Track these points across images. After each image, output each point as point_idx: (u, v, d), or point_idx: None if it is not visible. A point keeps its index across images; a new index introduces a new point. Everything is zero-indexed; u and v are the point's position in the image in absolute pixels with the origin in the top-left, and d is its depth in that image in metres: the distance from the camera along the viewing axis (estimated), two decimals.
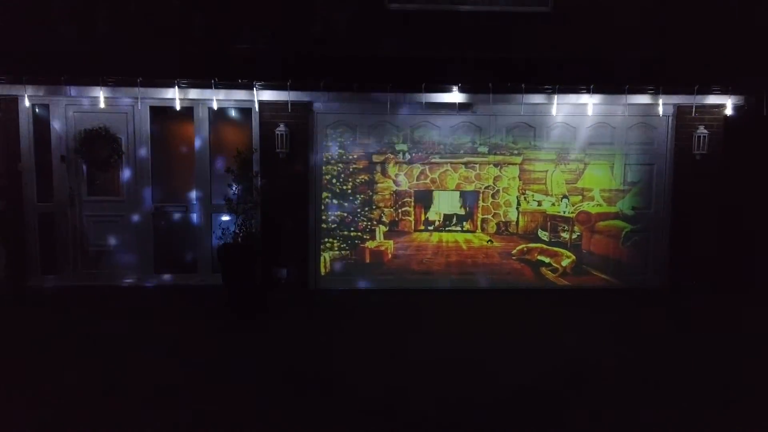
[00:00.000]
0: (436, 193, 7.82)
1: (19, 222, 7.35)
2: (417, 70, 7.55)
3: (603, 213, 7.89)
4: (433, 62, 7.63)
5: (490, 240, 7.86)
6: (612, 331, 6.08)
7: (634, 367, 5.08)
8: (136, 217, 7.65)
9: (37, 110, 7.45)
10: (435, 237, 7.86)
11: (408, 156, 7.76)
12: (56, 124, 7.44)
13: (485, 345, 5.65)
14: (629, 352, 5.43)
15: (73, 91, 6.97)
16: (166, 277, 7.74)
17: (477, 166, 7.78)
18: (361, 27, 7.76)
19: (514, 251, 7.88)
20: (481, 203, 7.83)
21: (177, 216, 7.80)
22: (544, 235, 7.88)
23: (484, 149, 7.76)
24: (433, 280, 7.83)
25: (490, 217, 7.85)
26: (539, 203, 7.85)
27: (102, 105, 7.18)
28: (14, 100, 7.24)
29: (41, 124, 7.46)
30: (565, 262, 7.91)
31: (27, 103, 7.27)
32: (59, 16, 7.33)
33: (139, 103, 7.18)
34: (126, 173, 7.62)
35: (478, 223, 7.86)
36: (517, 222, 7.86)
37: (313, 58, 7.65)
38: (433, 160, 7.76)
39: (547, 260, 7.90)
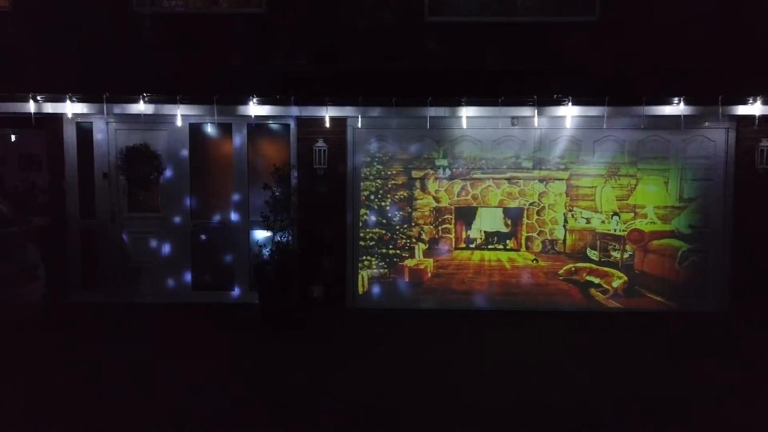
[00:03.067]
0: (477, 210, 7.53)
1: (62, 238, 7.44)
2: (458, 83, 7.33)
3: (657, 231, 7.42)
4: (475, 75, 7.40)
5: (535, 259, 7.50)
6: (674, 364, 5.61)
7: (709, 407, 4.65)
8: (175, 234, 7.65)
9: (80, 128, 7.57)
10: (477, 255, 7.55)
11: (448, 171, 7.51)
12: (99, 142, 7.54)
13: (540, 376, 5.29)
14: (696, 390, 5.00)
15: (115, 109, 7.02)
16: (205, 293, 7.69)
17: (521, 181, 7.46)
18: (400, 40, 7.62)
19: (560, 271, 7.49)
20: (525, 220, 7.49)
21: (215, 232, 7.76)
22: (593, 254, 7.46)
23: (528, 164, 7.44)
24: (474, 300, 7.51)
25: (535, 235, 7.49)
26: (588, 221, 7.45)
27: (143, 123, 7.23)
28: (59, 119, 7.37)
29: (85, 141, 7.57)
30: (616, 283, 7.46)
31: (71, 121, 7.39)
32: (104, 36, 7.46)
33: (179, 120, 7.20)
34: (165, 190, 7.64)
35: (523, 241, 7.52)
36: (564, 240, 7.48)
37: (351, 73, 7.54)
38: (474, 176, 7.49)
39: (596, 281, 7.47)
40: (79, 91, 6.96)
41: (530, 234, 7.50)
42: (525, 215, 7.50)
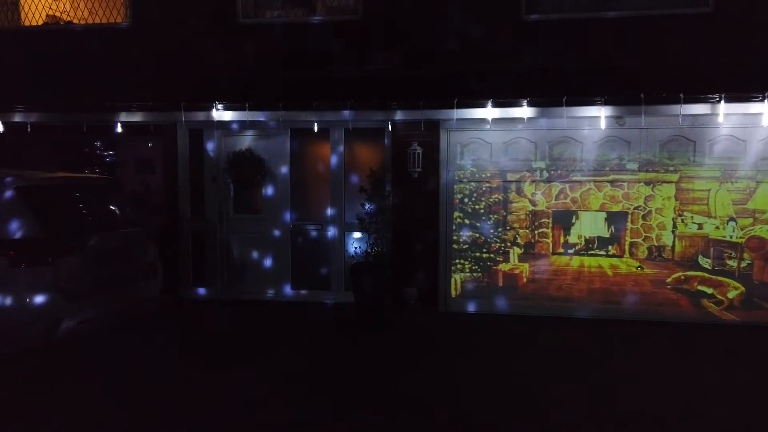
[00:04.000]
0: (577, 214, 7.26)
1: (175, 238, 8.00)
2: (557, 82, 7.11)
3: None
4: (576, 73, 7.15)
5: (639, 266, 7.11)
6: None
7: None
8: (275, 234, 8.00)
9: (192, 135, 8.11)
10: (576, 261, 7.28)
11: (546, 174, 7.29)
12: (208, 147, 8.04)
13: (644, 393, 5.02)
14: None
15: (223, 116, 7.45)
16: (303, 292, 7.99)
17: (625, 184, 7.10)
18: (497, 41, 7.50)
19: (668, 279, 7.04)
20: (629, 225, 7.12)
21: (313, 234, 8.04)
22: (705, 262, 6.96)
23: (633, 166, 7.07)
24: (572, 308, 7.24)
25: (640, 240, 7.10)
26: (700, 226, 6.96)
27: (248, 129, 7.62)
28: (173, 126, 7.93)
29: (196, 147, 8.11)
30: (731, 294, 6.91)
31: (184, 128, 7.94)
32: (212, 48, 7.94)
33: (281, 126, 7.53)
34: (267, 192, 8.01)
35: (626, 247, 7.15)
36: (673, 247, 7.03)
37: (446, 75, 7.53)
38: (574, 178, 7.22)
39: (709, 291, 6.96)
40: (191, 99, 7.45)
41: (635, 240, 7.12)
42: (629, 220, 7.12)
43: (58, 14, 8.61)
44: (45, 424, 4.22)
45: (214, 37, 7.96)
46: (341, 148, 7.86)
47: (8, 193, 4.95)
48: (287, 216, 7.98)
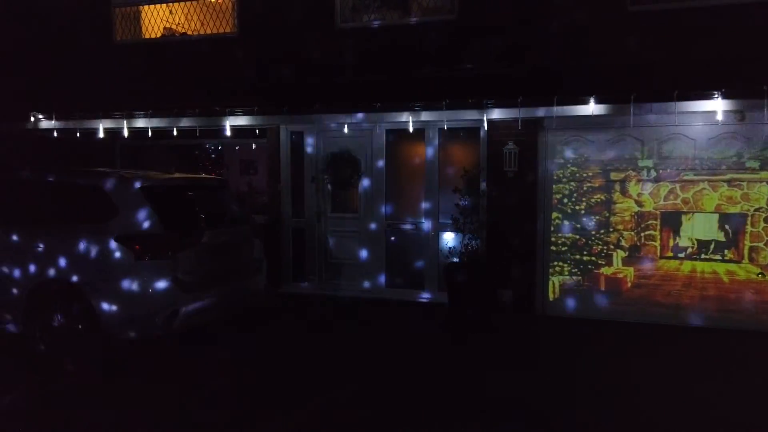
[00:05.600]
0: (688, 216, 6.80)
1: (277, 235, 8.39)
2: (666, 75, 6.69)
3: None
4: (688, 65, 6.68)
5: (761, 273, 6.54)
6: None
7: None
8: (371, 233, 8.16)
9: (293, 137, 8.47)
10: (686, 266, 6.82)
11: (653, 173, 6.89)
12: (308, 149, 8.36)
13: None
14: None
15: (322, 118, 7.70)
16: (396, 290, 8.09)
17: (744, 184, 6.56)
18: (599, 34, 7.18)
19: None
20: (749, 228, 6.57)
21: (407, 233, 8.12)
22: None
23: (754, 164, 6.51)
24: (682, 315, 6.79)
25: (761, 245, 6.53)
26: None
27: (346, 130, 7.85)
28: (276, 129, 8.31)
29: (296, 148, 8.46)
30: None
31: (286, 131, 8.30)
32: (313, 54, 8.23)
33: (377, 127, 7.67)
34: (363, 192, 8.20)
35: (745, 252, 6.60)
36: None
37: (544, 73, 7.32)
38: (685, 177, 6.77)
39: None
40: (293, 103, 7.77)
41: (755, 244, 6.56)
42: (749, 222, 6.57)
43: (174, 27, 9.31)
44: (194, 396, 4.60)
45: (314, 42, 8.25)
46: (436, 148, 7.87)
47: (135, 193, 5.43)
48: (382, 215, 8.11)
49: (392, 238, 8.17)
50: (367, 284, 8.20)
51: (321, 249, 8.42)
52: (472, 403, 4.67)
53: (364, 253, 8.21)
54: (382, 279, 8.16)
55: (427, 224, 7.96)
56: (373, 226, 8.15)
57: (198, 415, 4.46)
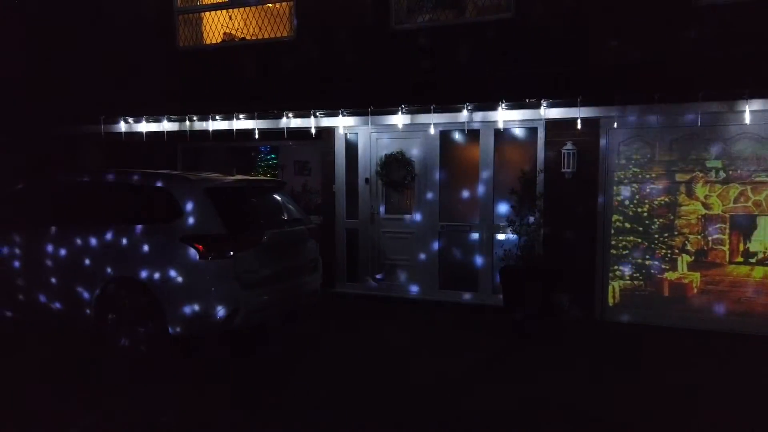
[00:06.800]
0: (761, 219, 6.46)
1: (331, 235, 8.50)
2: (736, 72, 6.37)
3: None
4: (759, 60, 6.34)
5: None
6: None
7: None
8: (423, 234, 8.15)
9: (348, 138, 8.55)
10: (758, 272, 6.49)
11: (722, 174, 6.59)
12: (362, 150, 8.43)
13: None
14: None
15: (377, 120, 7.74)
16: (449, 292, 8.04)
17: None
18: (662, 31, 6.91)
19: None
20: None
21: (460, 234, 8.06)
22: None
23: None
24: (754, 324, 6.46)
25: None
26: None
27: (400, 131, 7.86)
28: (331, 130, 8.41)
29: (351, 150, 8.54)
30: None
31: (341, 132, 8.41)
32: (367, 57, 8.28)
33: (432, 128, 7.65)
34: (417, 193, 8.19)
35: None
36: None
37: (605, 72, 7.11)
38: (757, 179, 6.44)
39: None
40: (348, 105, 7.86)
41: None
42: None
43: (233, 32, 9.57)
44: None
45: (369, 44, 8.30)
46: (491, 149, 7.78)
47: (199, 194, 5.62)
48: (436, 216, 8.08)
49: (445, 240, 8.13)
50: (419, 285, 8.19)
51: (374, 250, 8.47)
52: (550, 414, 4.59)
53: (417, 254, 8.20)
54: (434, 281, 8.12)
55: (481, 226, 7.87)
56: (426, 227, 8.13)
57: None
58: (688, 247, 6.77)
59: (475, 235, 7.93)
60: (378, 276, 8.45)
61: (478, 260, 7.92)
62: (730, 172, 6.56)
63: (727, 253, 6.62)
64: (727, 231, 6.61)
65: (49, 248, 5.97)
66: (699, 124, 6.37)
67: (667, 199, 6.84)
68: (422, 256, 8.17)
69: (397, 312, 7.60)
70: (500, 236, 7.75)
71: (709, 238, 6.67)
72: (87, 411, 4.50)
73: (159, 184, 5.84)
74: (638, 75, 6.85)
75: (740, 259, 6.56)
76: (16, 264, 6.17)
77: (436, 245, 8.11)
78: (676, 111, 6.42)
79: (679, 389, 4.98)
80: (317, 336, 6.60)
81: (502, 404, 4.69)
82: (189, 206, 5.57)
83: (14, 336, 6.31)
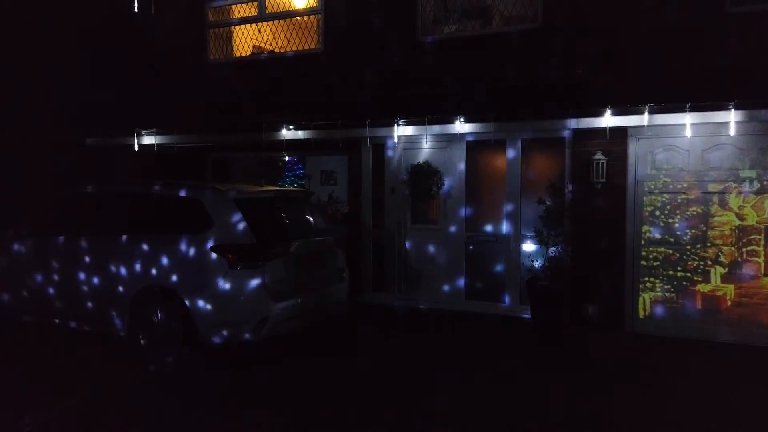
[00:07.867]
0: None
1: (357, 245, 8.55)
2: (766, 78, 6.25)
3: None
4: None
5: None
6: None
7: None
8: (450, 245, 8.14)
9: (375, 149, 8.60)
10: None
11: (757, 184, 6.45)
12: (389, 161, 8.48)
13: None
14: None
15: (404, 131, 7.76)
16: (476, 303, 8.00)
17: None
18: (692, 38, 6.81)
19: None
20: None
21: (487, 244, 8.02)
22: None
23: None
24: None
25: None
26: None
27: (426, 142, 7.88)
28: (358, 141, 8.45)
29: (377, 160, 8.59)
30: None
31: (367, 143, 8.46)
32: (393, 68, 8.35)
33: (458, 138, 7.65)
34: (443, 203, 8.19)
35: None
36: None
37: (634, 79, 7.03)
38: None
39: None
40: (374, 116, 7.91)
41: None
42: None
43: (262, 44, 9.76)
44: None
45: (395, 56, 8.37)
46: (517, 159, 7.75)
47: (229, 205, 5.73)
48: (462, 227, 8.07)
49: (472, 250, 8.10)
50: (446, 296, 8.17)
51: (400, 260, 8.49)
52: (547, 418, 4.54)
53: (443, 265, 8.19)
54: (461, 292, 8.10)
55: (508, 236, 7.83)
56: (452, 237, 8.12)
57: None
58: (722, 258, 6.62)
59: (502, 245, 7.89)
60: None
61: (505, 270, 7.87)
62: (765, 183, 6.41)
63: (763, 265, 6.46)
64: (762, 242, 6.45)
65: (85, 256, 6.16)
66: (732, 133, 6.25)
67: (699, 210, 6.71)
68: (449, 266, 8.15)
69: (425, 323, 7.58)
70: (527, 247, 7.70)
71: (744, 250, 6.52)
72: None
73: (192, 195, 5.97)
74: (668, 83, 6.77)
75: None
76: (53, 269, 6.37)
77: (462, 255, 8.09)
78: (708, 119, 6.30)
79: (727, 415, 4.84)
80: (348, 346, 6.60)
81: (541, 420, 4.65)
82: (220, 217, 5.69)
83: (58, 338, 6.47)
